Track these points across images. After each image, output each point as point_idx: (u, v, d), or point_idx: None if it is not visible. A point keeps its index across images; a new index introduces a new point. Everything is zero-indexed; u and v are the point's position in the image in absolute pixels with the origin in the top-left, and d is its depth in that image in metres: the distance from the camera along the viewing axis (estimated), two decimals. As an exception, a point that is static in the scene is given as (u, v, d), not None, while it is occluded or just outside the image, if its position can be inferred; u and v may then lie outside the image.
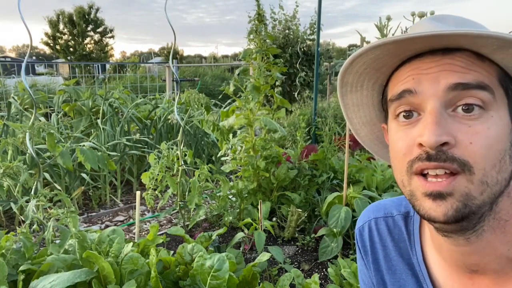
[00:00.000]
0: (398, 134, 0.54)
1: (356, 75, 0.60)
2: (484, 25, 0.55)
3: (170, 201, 3.56)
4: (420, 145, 0.50)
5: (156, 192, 2.40)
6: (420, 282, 0.66)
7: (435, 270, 0.65)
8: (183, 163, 2.50)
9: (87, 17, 25.27)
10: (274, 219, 2.75)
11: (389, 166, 2.81)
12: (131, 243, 1.54)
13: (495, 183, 0.49)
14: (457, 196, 0.48)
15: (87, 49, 25.60)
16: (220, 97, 4.54)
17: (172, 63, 3.02)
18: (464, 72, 0.49)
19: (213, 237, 1.97)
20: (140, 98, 4.86)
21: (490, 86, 0.49)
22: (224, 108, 4.13)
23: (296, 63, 7.97)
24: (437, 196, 0.49)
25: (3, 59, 21.59)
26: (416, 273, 0.66)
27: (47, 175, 2.89)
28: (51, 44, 25.30)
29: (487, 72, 0.50)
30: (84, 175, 3.14)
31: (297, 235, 2.53)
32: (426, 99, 0.50)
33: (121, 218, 3.20)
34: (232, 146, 2.84)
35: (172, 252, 1.80)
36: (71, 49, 25.12)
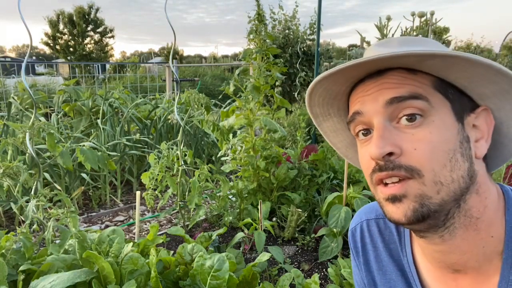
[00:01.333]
0: (361, 151, 0.60)
1: (320, 106, 0.66)
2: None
3: (170, 201, 3.56)
4: (372, 158, 0.55)
5: (156, 192, 2.40)
6: (409, 283, 0.68)
7: (423, 272, 0.67)
8: (183, 163, 2.50)
9: (87, 17, 25.24)
10: (274, 219, 2.75)
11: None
12: (131, 243, 1.54)
13: (450, 181, 0.52)
14: (411, 197, 0.52)
15: (87, 49, 25.58)
16: (220, 97, 4.54)
17: (172, 63, 3.02)
18: (397, 87, 0.54)
19: (213, 237, 1.97)
20: (140, 98, 4.86)
21: (423, 95, 0.53)
22: (224, 108, 4.14)
23: (296, 63, 7.97)
24: (394, 199, 0.54)
25: (3, 59, 21.59)
26: (406, 274, 0.68)
27: (47, 175, 2.89)
28: (51, 44, 25.27)
29: (420, 83, 0.54)
30: (84, 175, 3.14)
31: (297, 235, 2.53)
32: (371, 116, 0.56)
33: (121, 218, 3.20)
34: (232, 146, 2.84)
35: (172, 252, 1.80)
36: (71, 49, 25.10)
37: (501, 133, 0.61)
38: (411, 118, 0.53)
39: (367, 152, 0.57)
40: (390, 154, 0.53)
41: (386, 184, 0.55)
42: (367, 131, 0.58)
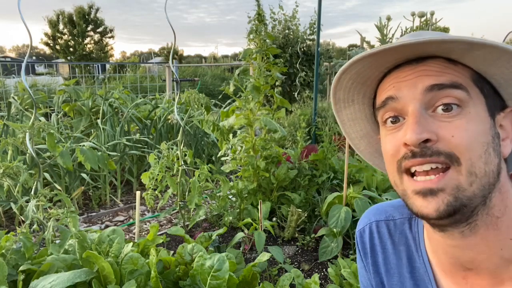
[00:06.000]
0: (387, 138, 0.59)
1: (345, 91, 0.64)
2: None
3: (170, 201, 3.56)
4: (406, 144, 0.54)
5: (156, 192, 2.40)
6: (419, 283, 0.67)
7: (435, 270, 0.66)
8: (183, 163, 2.49)
9: (87, 17, 25.20)
10: (274, 219, 2.75)
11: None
12: (131, 243, 1.54)
13: (483, 175, 0.51)
14: (448, 191, 0.51)
15: (87, 49, 25.56)
16: (220, 97, 4.55)
17: (172, 63, 3.02)
18: (438, 75, 0.53)
19: (213, 237, 1.97)
20: (140, 98, 4.85)
21: (464, 85, 0.53)
22: (224, 108, 4.13)
23: (296, 63, 7.97)
24: (428, 193, 0.52)
25: (3, 59, 21.57)
26: (418, 274, 0.67)
27: (47, 175, 2.89)
28: (51, 44, 25.26)
29: (460, 73, 0.54)
30: (84, 175, 3.14)
31: (297, 235, 2.53)
32: (407, 103, 0.55)
33: (121, 218, 3.20)
34: (232, 146, 2.83)
35: (172, 252, 1.80)
36: (71, 49, 25.07)
37: None
38: (447, 108, 0.52)
39: (396, 138, 0.56)
40: (426, 141, 0.52)
41: (413, 175, 0.54)
42: (396, 119, 0.57)
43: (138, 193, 2.26)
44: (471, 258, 0.57)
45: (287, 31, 8.49)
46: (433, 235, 0.62)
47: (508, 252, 0.55)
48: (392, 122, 0.58)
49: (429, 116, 0.53)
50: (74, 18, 24.95)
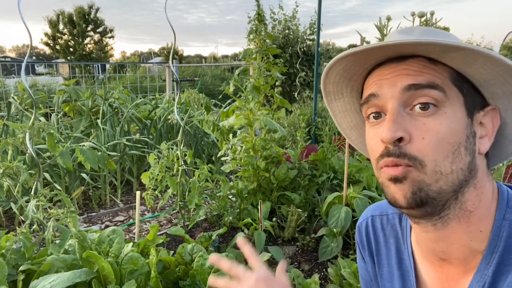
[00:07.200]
0: (370, 134, 0.62)
1: (334, 85, 0.67)
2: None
3: (170, 201, 3.56)
4: (382, 141, 0.56)
5: (156, 192, 2.40)
6: (403, 275, 0.72)
7: (417, 260, 0.71)
8: (183, 163, 2.49)
9: (87, 17, 25.19)
10: (274, 219, 2.75)
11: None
12: (131, 243, 1.54)
13: (449, 172, 0.54)
14: (410, 181, 0.55)
15: (87, 49, 25.55)
16: (220, 97, 4.54)
17: (172, 63, 3.02)
18: (417, 75, 0.55)
19: (213, 237, 1.97)
20: (140, 98, 4.86)
21: (441, 86, 0.55)
22: (224, 108, 4.13)
23: (296, 63, 7.97)
24: (396, 180, 0.56)
25: (3, 59, 21.57)
26: (403, 264, 0.72)
27: (47, 175, 2.89)
28: (51, 44, 25.24)
29: (439, 73, 0.56)
30: (84, 175, 3.14)
31: (297, 235, 2.53)
32: (386, 100, 0.57)
33: (121, 218, 3.20)
34: (232, 146, 2.83)
35: (172, 252, 1.80)
36: (71, 49, 25.05)
37: (503, 133, 0.62)
38: (424, 106, 0.54)
39: (377, 134, 0.58)
40: (400, 139, 0.54)
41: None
42: (378, 115, 0.60)
43: (138, 193, 2.26)
44: (444, 248, 0.61)
45: (287, 31, 8.49)
46: (415, 228, 0.66)
47: (476, 243, 0.58)
48: (374, 117, 0.60)
49: (407, 114, 0.55)
50: (74, 18, 24.93)
